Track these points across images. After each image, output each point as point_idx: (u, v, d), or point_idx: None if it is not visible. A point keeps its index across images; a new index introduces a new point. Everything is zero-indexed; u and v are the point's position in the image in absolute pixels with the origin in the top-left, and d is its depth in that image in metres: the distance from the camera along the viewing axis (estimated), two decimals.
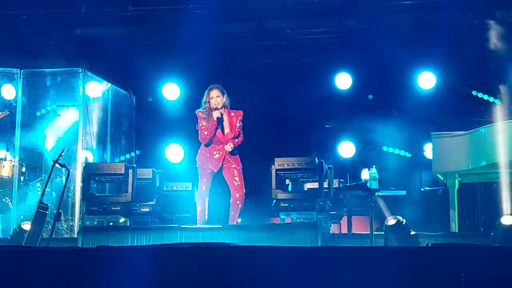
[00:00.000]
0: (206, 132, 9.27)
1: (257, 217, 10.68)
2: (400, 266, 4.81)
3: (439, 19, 12.47)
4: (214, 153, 9.30)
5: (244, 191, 9.30)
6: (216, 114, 9.22)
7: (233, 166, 9.30)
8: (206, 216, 9.33)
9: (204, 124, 9.28)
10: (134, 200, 10.20)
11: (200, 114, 9.33)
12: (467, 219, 11.78)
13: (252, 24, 13.26)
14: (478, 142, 10.35)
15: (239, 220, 9.47)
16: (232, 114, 9.37)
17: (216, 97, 9.26)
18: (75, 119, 12.10)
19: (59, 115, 12.07)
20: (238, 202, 9.24)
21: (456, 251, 4.95)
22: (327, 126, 13.72)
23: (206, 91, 9.33)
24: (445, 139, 10.87)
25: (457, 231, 10.62)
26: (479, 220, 11.85)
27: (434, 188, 12.16)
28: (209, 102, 9.28)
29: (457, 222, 10.70)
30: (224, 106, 9.31)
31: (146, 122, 13.98)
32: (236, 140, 9.34)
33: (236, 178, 9.30)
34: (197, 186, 9.59)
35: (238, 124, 9.36)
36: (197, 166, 9.43)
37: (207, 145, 9.32)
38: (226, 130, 9.32)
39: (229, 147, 9.24)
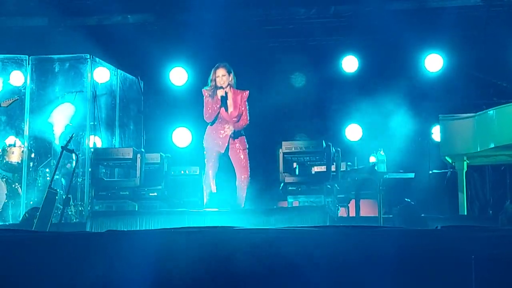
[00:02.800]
0: (209, 110, 9.29)
1: (264, 201, 10.68)
2: (410, 248, 4.81)
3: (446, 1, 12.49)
4: (220, 132, 9.32)
5: (249, 172, 9.32)
6: (220, 93, 9.22)
7: (238, 146, 9.32)
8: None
9: (208, 101, 9.31)
10: (142, 185, 10.23)
11: (205, 92, 9.36)
12: (475, 201, 11.76)
13: (259, 9, 13.25)
14: (486, 124, 10.31)
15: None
16: (238, 93, 9.39)
17: (221, 76, 9.27)
18: (83, 105, 12.12)
19: (68, 101, 12.09)
20: (243, 184, 9.26)
21: (466, 233, 4.94)
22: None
23: (213, 69, 9.34)
24: (453, 121, 10.83)
25: (465, 213, 10.61)
26: (488, 202, 11.83)
27: (443, 171, 12.13)
28: (215, 80, 9.29)
29: (466, 205, 10.68)
30: (229, 85, 9.33)
31: (154, 107, 14.00)
32: (240, 123, 9.34)
33: (242, 158, 9.32)
34: (204, 170, 9.61)
35: (243, 103, 9.37)
36: (204, 148, 9.44)
37: (211, 123, 9.34)
38: (230, 109, 9.31)
39: (229, 130, 9.27)
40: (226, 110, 9.29)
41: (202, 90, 9.39)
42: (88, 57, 12.07)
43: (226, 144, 9.28)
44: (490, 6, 12.48)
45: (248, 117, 9.40)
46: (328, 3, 13.10)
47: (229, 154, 9.34)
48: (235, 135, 9.33)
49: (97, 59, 12.27)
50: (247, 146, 9.41)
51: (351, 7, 13.00)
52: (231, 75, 9.32)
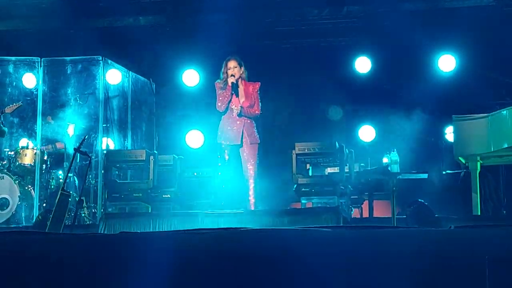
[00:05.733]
0: (221, 98, 9.36)
1: (278, 202, 10.67)
2: (423, 248, 4.79)
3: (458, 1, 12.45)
4: (233, 125, 9.37)
5: (257, 169, 9.32)
6: (231, 80, 9.29)
7: (249, 141, 9.34)
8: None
9: (220, 93, 9.39)
10: (155, 187, 10.25)
11: (217, 84, 9.44)
12: (489, 201, 11.69)
13: (271, 10, 13.24)
14: (500, 125, 10.26)
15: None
16: (249, 84, 9.47)
17: (233, 68, 9.41)
18: (95, 106, 12.13)
19: (80, 103, 12.11)
20: (249, 181, 9.27)
21: (480, 233, 4.91)
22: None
23: (224, 62, 9.49)
24: (466, 122, 10.79)
25: (479, 213, 10.56)
26: (502, 202, 11.77)
27: (456, 171, 12.07)
28: (226, 73, 9.40)
29: (479, 205, 10.63)
30: (241, 78, 9.40)
31: (166, 109, 14.01)
32: (251, 109, 9.36)
33: (250, 152, 9.35)
34: (218, 171, 9.59)
35: (254, 93, 9.43)
36: (218, 144, 9.43)
37: (224, 113, 9.38)
38: (242, 99, 9.42)
39: (235, 108, 9.28)
40: (237, 96, 9.34)
41: (215, 82, 9.51)
42: (100, 59, 12.09)
43: (241, 134, 9.31)
44: (503, 6, 12.42)
45: (260, 109, 9.44)
46: (340, 4, 13.07)
47: (240, 150, 9.36)
48: (247, 119, 9.32)
49: (109, 61, 12.28)
50: (259, 142, 9.43)
51: (363, 7, 12.98)
52: (242, 68, 9.46)
